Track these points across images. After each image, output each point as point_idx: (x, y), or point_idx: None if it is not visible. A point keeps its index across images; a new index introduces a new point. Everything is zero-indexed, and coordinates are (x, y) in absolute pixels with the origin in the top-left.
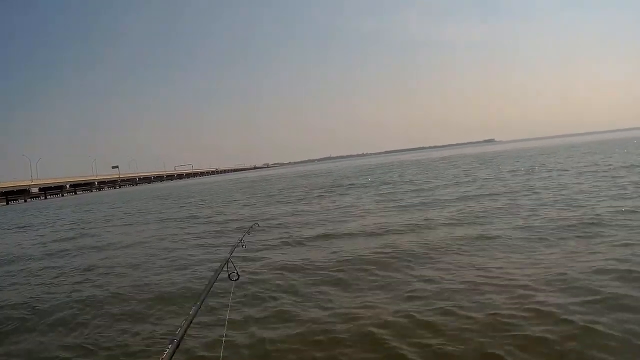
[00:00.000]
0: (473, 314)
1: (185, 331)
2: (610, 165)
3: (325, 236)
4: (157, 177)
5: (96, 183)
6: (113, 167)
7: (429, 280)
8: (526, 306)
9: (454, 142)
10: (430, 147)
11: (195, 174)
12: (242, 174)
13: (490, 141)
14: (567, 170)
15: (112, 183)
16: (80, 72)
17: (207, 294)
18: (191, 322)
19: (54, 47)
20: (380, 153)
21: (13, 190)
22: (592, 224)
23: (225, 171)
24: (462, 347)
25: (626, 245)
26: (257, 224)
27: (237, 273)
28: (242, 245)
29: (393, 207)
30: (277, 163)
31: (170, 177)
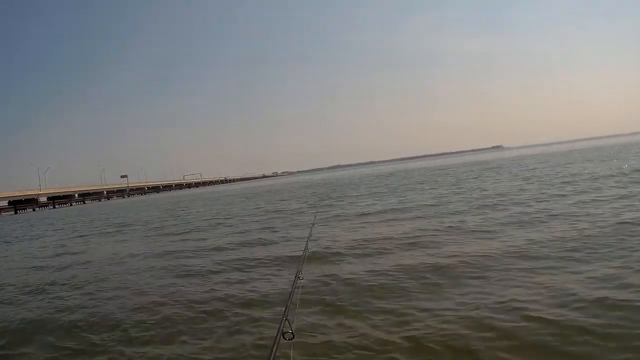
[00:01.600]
0: None
1: None
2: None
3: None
4: (166, 186)
5: (105, 192)
6: (122, 177)
7: None
8: None
9: (462, 149)
10: (438, 154)
11: (204, 183)
12: (251, 183)
13: (498, 147)
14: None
15: (121, 192)
16: (93, 80)
17: None
18: None
19: (66, 55)
20: (387, 161)
21: (21, 200)
22: None
23: (234, 180)
24: None
25: None
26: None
27: (292, 332)
28: (301, 277)
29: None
30: (286, 172)
31: (179, 186)
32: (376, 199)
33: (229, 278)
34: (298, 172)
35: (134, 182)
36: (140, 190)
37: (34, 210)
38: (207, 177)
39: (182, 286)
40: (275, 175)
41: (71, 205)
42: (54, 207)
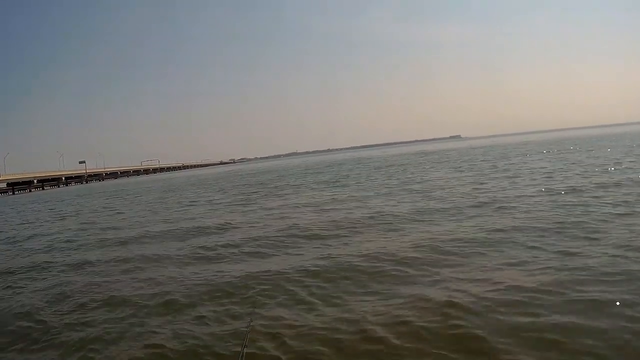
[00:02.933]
0: None
1: None
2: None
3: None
4: (124, 172)
5: (63, 178)
6: (80, 162)
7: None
8: None
9: (421, 138)
10: (397, 143)
11: (162, 169)
12: (207, 170)
13: (456, 137)
14: None
15: (79, 178)
16: (51, 68)
17: None
18: None
19: (28, 44)
20: (345, 149)
21: None
22: None
23: (191, 166)
24: None
25: None
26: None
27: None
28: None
29: None
30: (244, 158)
31: (136, 172)
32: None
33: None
34: (255, 158)
35: (92, 168)
36: (98, 177)
37: None
38: (164, 164)
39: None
40: (232, 162)
41: (30, 191)
42: (13, 194)
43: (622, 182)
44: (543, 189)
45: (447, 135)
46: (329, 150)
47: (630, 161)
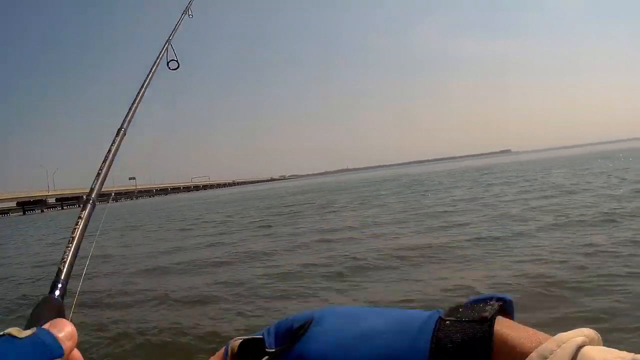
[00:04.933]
0: None
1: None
2: None
3: None
4: (174, 188)
5: (113, 194)
6: (130, 179)
7: None
8: None
9: (471, 153)
10: (445, 159)
11: (212, 186)
12: (262, 185)
13: (506, 152)
14: None
15: (129, 194)
16: (99, 80)
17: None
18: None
19: (71, 54)
20: (393, 165)
21: (29, 201)
22: None
23: (242, 183)
24: None
25: None
26: None
27: (177, 61)
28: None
29: None
30: (294, 175)
31: (187, 189)
32: None
33: None
34: (307, 175)
35: (142, 184)
36: (148, 193)
37: (42, 211)
38: (215, 180)
39: None
40: (283, 178)
41: (79, 206)
42: (62, 209)
43: None
44: None
45: (498, 150)
46: (377, 167)
47: None
